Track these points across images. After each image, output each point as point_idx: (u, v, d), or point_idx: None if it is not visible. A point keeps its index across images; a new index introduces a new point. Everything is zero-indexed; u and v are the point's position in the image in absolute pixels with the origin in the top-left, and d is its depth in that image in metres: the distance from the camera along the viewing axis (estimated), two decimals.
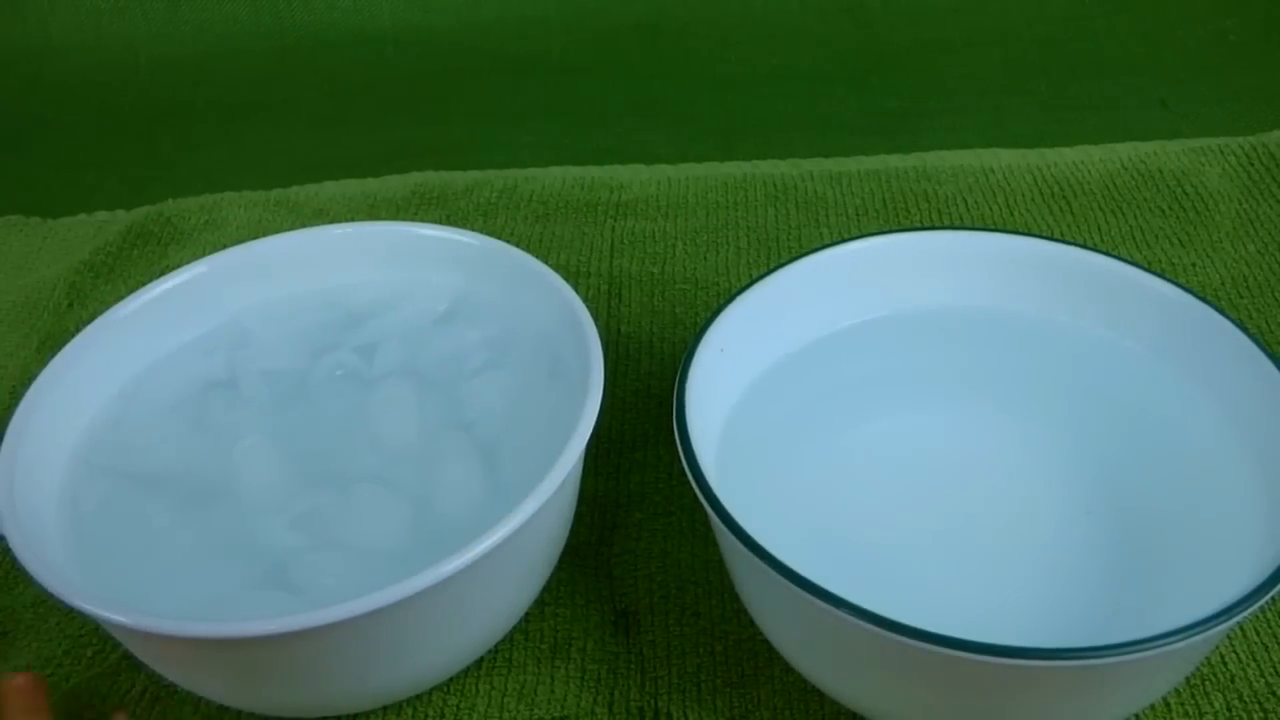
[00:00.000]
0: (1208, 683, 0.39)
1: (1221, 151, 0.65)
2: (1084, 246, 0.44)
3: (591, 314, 0.41)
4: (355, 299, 0.47)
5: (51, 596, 0.33)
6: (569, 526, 0.41)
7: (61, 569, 0.36)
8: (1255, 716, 0.38)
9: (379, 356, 0.44)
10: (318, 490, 0.40)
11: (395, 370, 0.44)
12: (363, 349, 0.45)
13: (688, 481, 0.35)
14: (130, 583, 0.37)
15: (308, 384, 0.44)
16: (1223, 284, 0.56)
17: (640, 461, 0.48)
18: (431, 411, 0.42)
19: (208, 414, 0.43)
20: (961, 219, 0.61)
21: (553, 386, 0.42)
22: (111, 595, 0.36)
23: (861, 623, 0.30)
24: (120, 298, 0.44)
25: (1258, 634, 0.40)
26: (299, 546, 0.38)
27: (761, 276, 0.43)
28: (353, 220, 0.50)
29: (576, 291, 0.43)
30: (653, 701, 0.39)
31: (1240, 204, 0.62)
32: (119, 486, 0.40)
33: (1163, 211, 0.61)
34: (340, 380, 0.44)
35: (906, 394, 0.44)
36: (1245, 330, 0.39)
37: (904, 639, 0.30)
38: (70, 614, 0.43)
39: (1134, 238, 0.60)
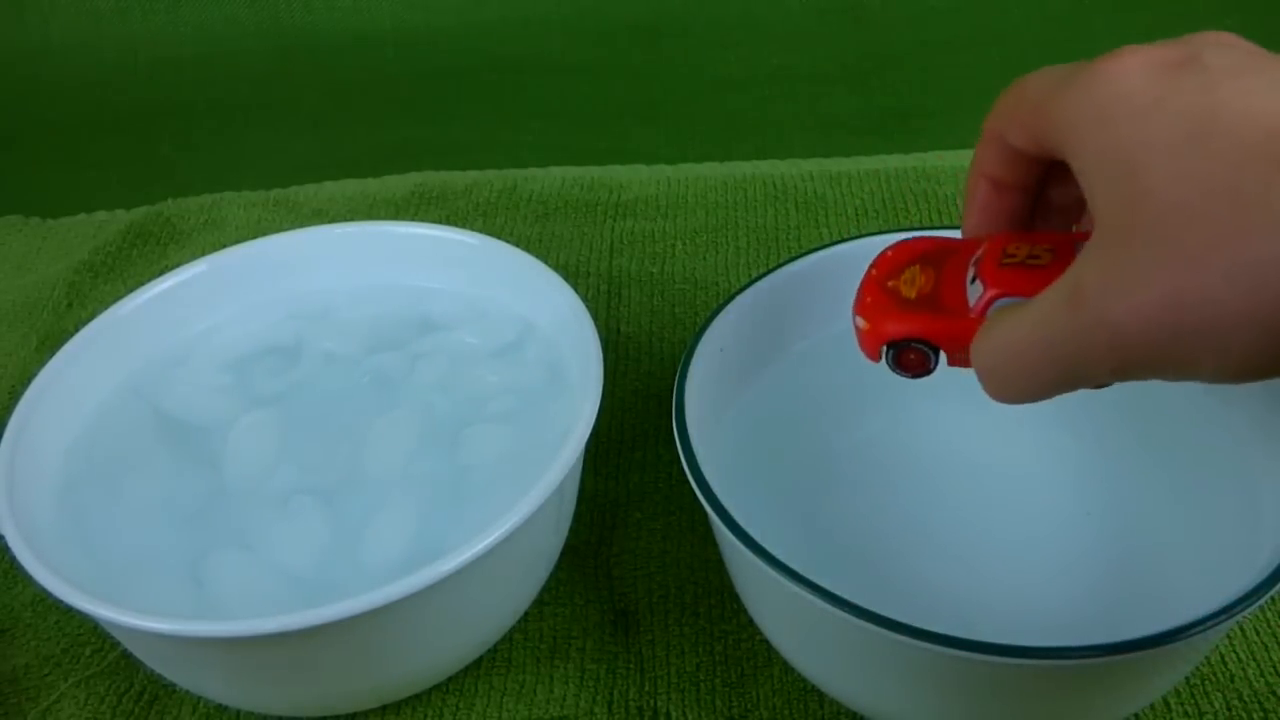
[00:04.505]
0: (1208, 682, 0.39)
1: None
2: None
3: (591, 314, 0.42)
4: (437, 304, 0.47)
5: (50, 596, 0.33)
6: (568, 526, 0.41)
7: (45, 509, 0.38)
8: (1255, 716, 0.38)
9: (419, 369, 0.44)
10: (271, 489, 0.40)
11: (426, 386, 0.43)
12: (415, 357, 0.45)
13: (687, 481, 0.35)
14: (90, 518, 0.38)
15: (349, 375, 0.44)
16: None
17: (640, 461, 0.48)
18: (428, 448, 0.41)
19: (252, 376, 0.44)
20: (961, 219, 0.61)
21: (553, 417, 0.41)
22: (64, 531, 0.38)
23: (861, 622, 0.30)
24: (119, 297, 0.45)
25: (1258, 634, 0.40)
26: (222, 540, 0.38)
27: (761, 276, 0.43)
28: (353, 219, 0.50)
29: (576, 291, 0.43)
30: (651, 701, 0.39)
31: None
32: (144, 421, 0.42)
33: None
34: (368, 386, 0.44)
35: (906, 394, 0.44)
36: None
37: (904, 638, 0.30)
38: (69, 612, 0.43)
39: None
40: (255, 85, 0.84)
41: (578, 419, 0.37)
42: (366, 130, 0.79)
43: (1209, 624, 0.30)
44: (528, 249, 0.45)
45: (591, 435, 0.37)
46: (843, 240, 0.44)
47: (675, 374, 0.39)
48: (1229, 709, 0.38)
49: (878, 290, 0.33)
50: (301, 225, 0.49)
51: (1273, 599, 0.40)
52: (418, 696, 0.40)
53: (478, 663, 0.41)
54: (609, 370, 0.40)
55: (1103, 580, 0.38)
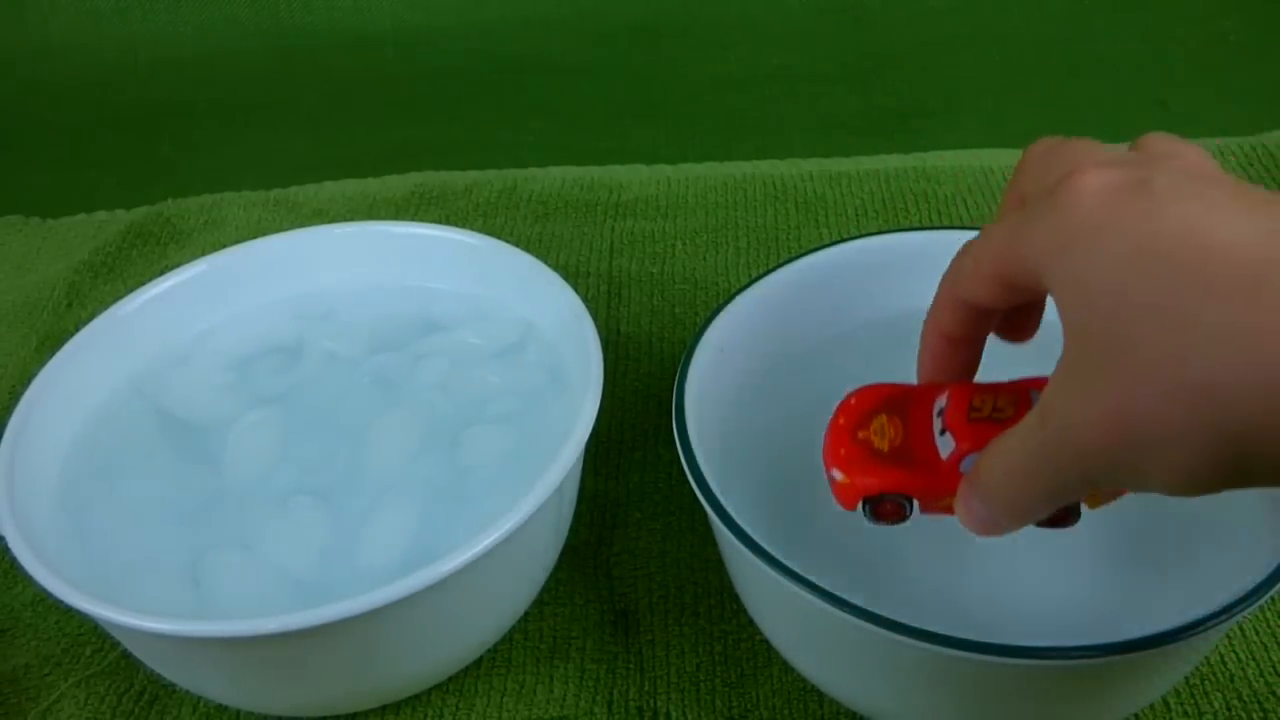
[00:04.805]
0: (1208, 682, 0.39)
1: (1221, 151, 0.65)
2: None
3: (591, 314, 0.42)
4: (440, 306, 0.47)
5: (50, 596, 0.33)
6: (568, 526, 0.41)
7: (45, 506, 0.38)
8: (1255, 716, 0.38)
9: (421, 370, 0.44)
10: (270, 488, 0.40)
11: (427, 387, 0.43)
12: (418, 358, 0.44)
13: (687, 481, 0.35)
14: (90, 517, 0.39)
15: (350, 375, 0.44)
16: None
17: (640, 461, 0.48)
18: (428, 448, 0.41)
19: (255, 375, 0.44)
20: (961, 219, 0.61)
21: (552, 411, 0.41)
22: (63, 530, 0.38)
23: (861, 622, 0.30)
24: (119, 297, 0.45)
25: (1257, 634, 0.40)
26: (221, 540, 0.38)
27: (761, 276, 0.43)
28: (353, 219, 0.50)
29: (576, 291, 0.43)
30: (651, 701, 0.39)
31: None
32: (145, 419, 0.42)
33: None
34: (369, 386, 0.44)
35: None
36: None
37: (904, 638, 0.30)
38: (69, 612, 0.43)
39: None
40: (255, 85, 0.84)
41: (578, 419, 0.37)
42: (366, 130, 0.79)
43: (1209, 624, 0.30)
44: (528, 249, 0.45)
45: (591, 435, 0.37)
46: (843, 240, 0.45)
47: (675, 374, 0.39)
48: (1229, 709, 0.38)
49: (850, 442, 0.34)
50: (301, 225, 0.49)
51: (1273, 599, 0.40)
52: (418, 696, 0.40)
53: (478, 663, 0.41)
54: (609, 370, 0.40)
55: (1103, 580, 0.38)
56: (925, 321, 0.33)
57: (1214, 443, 0.24)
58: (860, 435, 0.34)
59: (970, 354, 0.34)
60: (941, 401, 0.33)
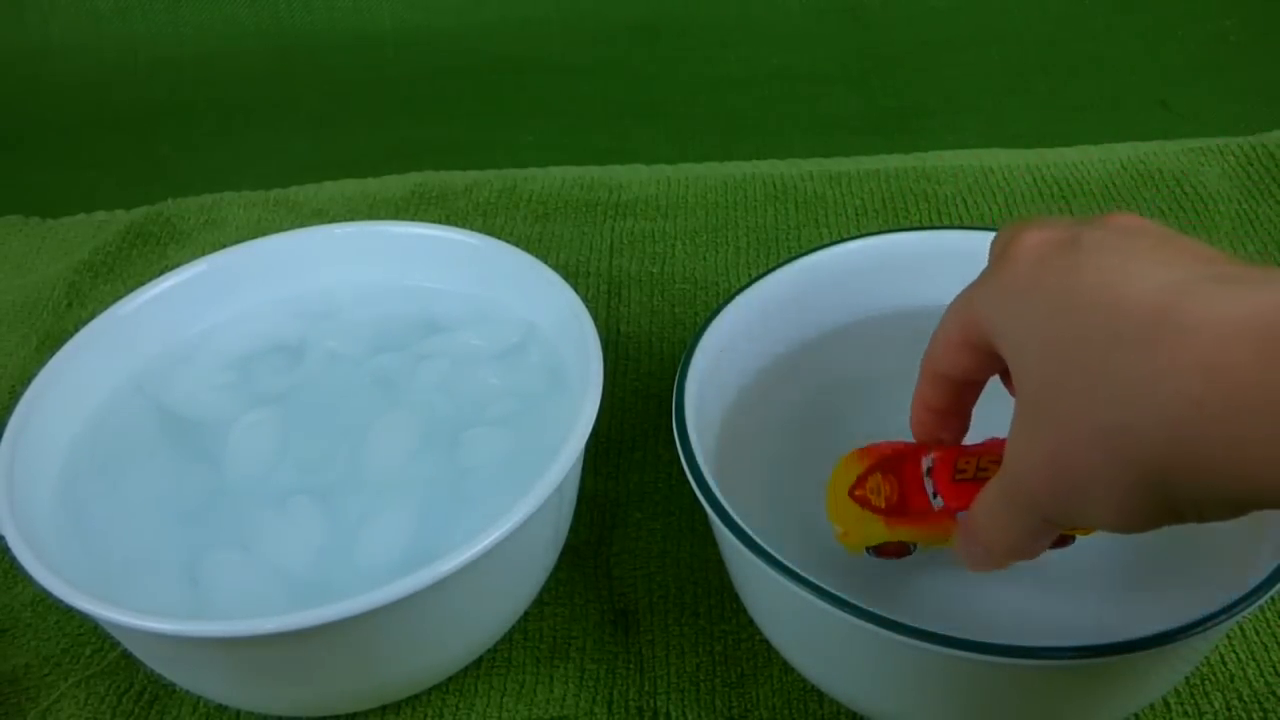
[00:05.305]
0: (1208, 682, 0.39)
1: (1221, 151, 0.65)
2: None
3: (591, 314, 0.41)
4: (441, 306, 0.47)
5: (50, 596, 0.33)
6: (568, 526, 0.41)
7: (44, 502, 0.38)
8: (1255, 716, 0.38)
9: (422, 371, 0.44)
10: (270, 488, 0.40)
11: (428, 388, 0.43)
12: (419, 358, 0.44)
13: (687, 481, 0.35)
14: (89, 516, 0.39)
15: (352, 375, 0.44)
16: None
17: (640, 461, 0.48)
18: (428, 449, 0.41)
19: (257, 374, 0.44)
20: (961, 219, 0.61)
21: (554, 409, 0.41)
22: (64, 526, 0.38)
23: (861, 622, 0.30)
24: (119, 297, 0.45)
25: (1258, 634, 0.40)
26: (219, 539, 0.38)
27: (761, 276, 0.43)
28: (353, 219, 0.50)
29: (576, 291, 0.43)
30: (651, 701, 0.39)
31: (1239, 204, 0.62)
32: (146, 417, 0.42)
33: (1162, 211, 0.61)
34: (370, 386, 0.44)
35: (906, 393, 0.44)
36: None
37: (904, 638, 0.30)
38: (69, 612, 0.43)
39: None
40: (255, 85, 0.84)
41: (578, 419, 0.37)
42: (366, 130, 0.79)
43: (1209, 624, 0.30)
44: (528, 249, 0.45)
45: (591, 435, 0.37)
46: (843, 240, 0.45)
47: (675, 374, 0.39)
48: (1229, 709, 0.38)
49: (848, 501, 0.36)
50: (301, 225, 0.49)
51: (1273, 599, 0.40)
52: (418, 696, 0.40)
53: (478, 663, 0.41)
54: (609, 370, 0.40)
55: (1103, 580, 0.38)
56: (913, 395, 0.35)
57: (1138, 484, 0.25)
58: (857, 494, 0.36)
59: (958, 424, 0.35)
60: (928, 461, 0.35)
